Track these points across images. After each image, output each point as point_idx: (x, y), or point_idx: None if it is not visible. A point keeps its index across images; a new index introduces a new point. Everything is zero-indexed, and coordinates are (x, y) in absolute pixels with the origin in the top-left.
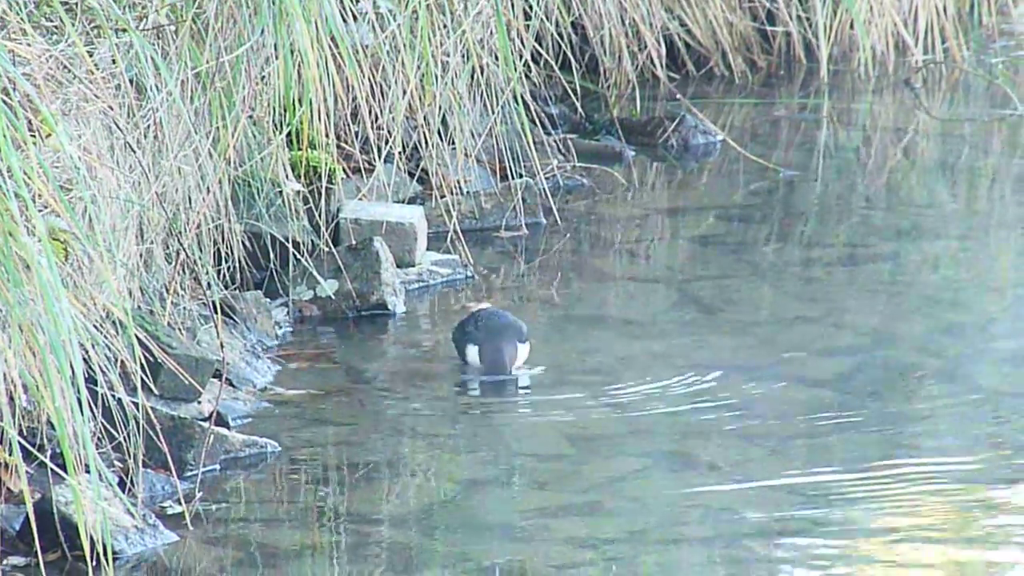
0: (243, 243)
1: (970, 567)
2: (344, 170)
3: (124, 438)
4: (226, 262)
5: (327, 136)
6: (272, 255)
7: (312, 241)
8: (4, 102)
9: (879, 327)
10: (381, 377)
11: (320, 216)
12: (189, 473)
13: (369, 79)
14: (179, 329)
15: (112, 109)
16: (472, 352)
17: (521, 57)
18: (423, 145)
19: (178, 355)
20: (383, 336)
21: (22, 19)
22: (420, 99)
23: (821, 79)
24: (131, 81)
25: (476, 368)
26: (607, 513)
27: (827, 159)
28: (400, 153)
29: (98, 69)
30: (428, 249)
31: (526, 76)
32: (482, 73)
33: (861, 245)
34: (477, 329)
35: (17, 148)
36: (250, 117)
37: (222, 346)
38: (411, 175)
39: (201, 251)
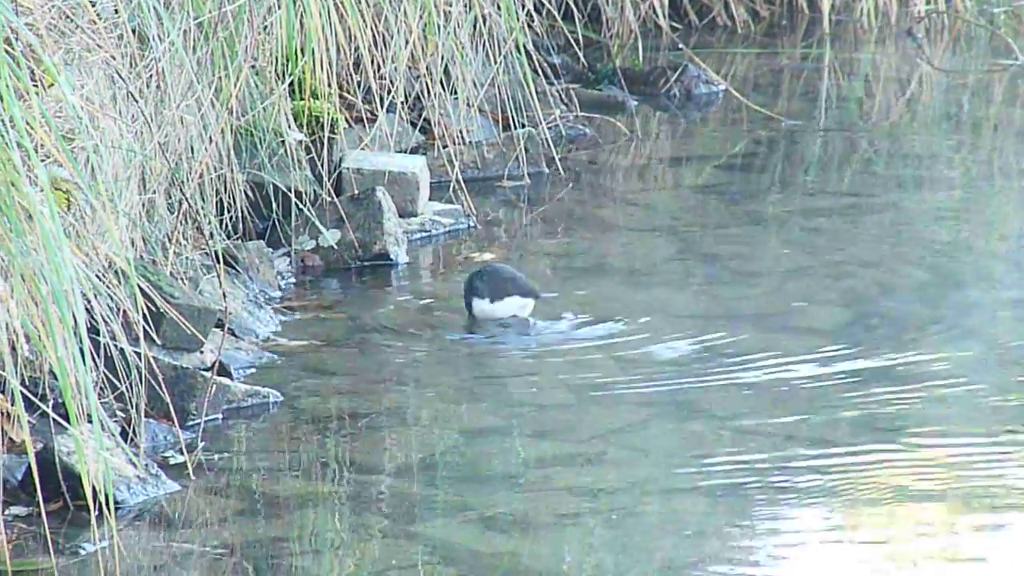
0: (245, 193)
1: (974, 516)
2: (346, 120)
3: (126, 388)
4: (228, 212)
5: (329, 86)
6: (274, 205)
7: (314, 191)
8: (7, 52)
9: (881, 277)
10: (383, 327)
11: (322, 166)
12: (191, 423)
13: (372, 28)
14: (181, 279)
15: (114, 59)
16: (481, 305)
17: (523, 7)
18: (425, 95)
19: (180, 305)
20: (386, 286)
21: None
22: (423, 49)
23: (823, 29)
24: (133, 31)
25: (480, 320)
26: (609, 463)
27: (829, 109)
28: (402, 103)
29: (100, 19)
30: (430, 199)
31: (528, 26)
32: (484, 23)
33: (863, 195)
34: (483, 282)
35: (20, 98)
36: (252, 67)
37: (224, 296)
38: (413, 125)
39: (203, 201)
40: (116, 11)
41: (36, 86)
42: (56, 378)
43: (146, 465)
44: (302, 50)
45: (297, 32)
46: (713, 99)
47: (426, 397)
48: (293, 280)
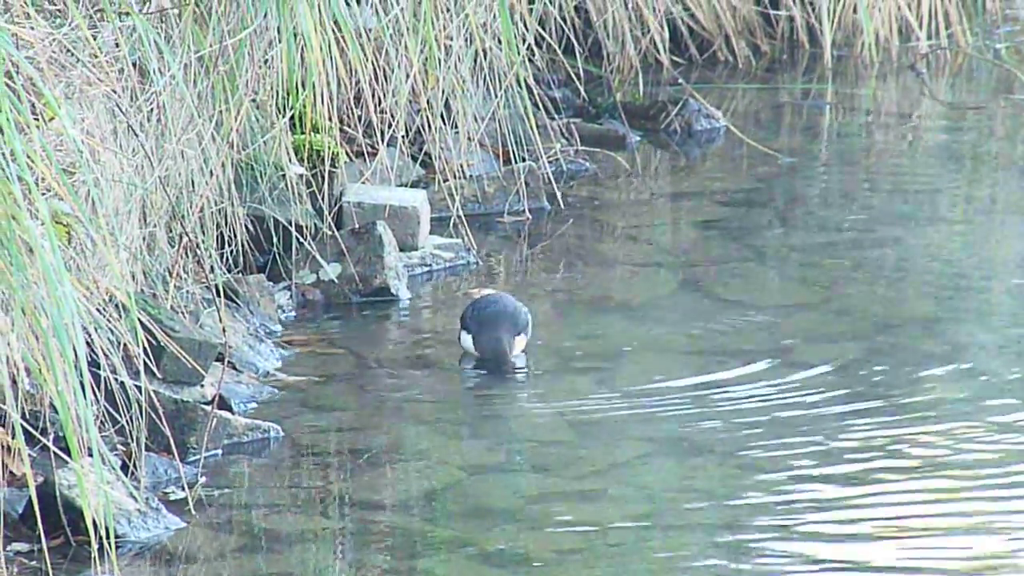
0: (246, 227)
1: (978, 558)
2: (347, 154)
3: (127, 421)
4: (229, 246)
5: (330, 120)
6: (275, 239)
7: (315, 225)
8: (8, 85)
9: (882, 313)
10: (384, 362)
11: (323, 200)
12: (192, 458)
13: (372, 62)
14: (182, 312)
15: (115, 92)
16: (467, 341)
17: (524, 41)
18: (426, 129)
19: (181, 339)
20: (386, 321)
21: (25, 2)
22: (423, 83)
23: (825, 64)
24: (134, 64)
25: (473, 356)
26: (610, 499)
27: (831, 144)
28: (403, 137)
29: (101, 52)
30: (431, 233)
31: (529, 60)
32: (485, 57)
33: (864, 230)
34: (472, 318)
35: (20, 131)
36: (253, 100)
37: (224, 330)
38: (414, 159)
39: (204, 234)
40: (117, 45)
41: (37, 119)
42: (57, 411)
43: (147, 499)
44: (303, 84)
45: (298, 66)
46: (714, 135)
47: (426, 432)
48: (294, 314)
